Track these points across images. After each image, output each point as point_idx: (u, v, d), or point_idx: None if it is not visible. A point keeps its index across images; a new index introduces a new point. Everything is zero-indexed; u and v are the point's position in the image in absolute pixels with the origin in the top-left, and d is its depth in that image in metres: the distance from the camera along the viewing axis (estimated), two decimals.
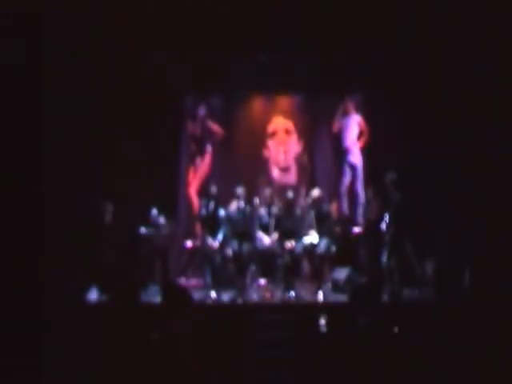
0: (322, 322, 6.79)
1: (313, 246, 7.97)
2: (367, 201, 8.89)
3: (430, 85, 8.25)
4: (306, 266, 8.67)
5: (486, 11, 7.13)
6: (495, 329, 6.42)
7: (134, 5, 7.09)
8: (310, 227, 8.07)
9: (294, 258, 7.95)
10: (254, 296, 7.67)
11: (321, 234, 8.08)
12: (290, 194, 8.58)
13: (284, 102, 10.24)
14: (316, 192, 8.49)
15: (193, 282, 9.13)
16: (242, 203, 8.17)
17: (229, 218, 8.04)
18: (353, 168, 9.81)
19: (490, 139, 7.45)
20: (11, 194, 6.59)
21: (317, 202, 8.37)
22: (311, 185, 9.71)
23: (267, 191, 9.12)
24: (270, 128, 10.15)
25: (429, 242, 8.20)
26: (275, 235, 8.01)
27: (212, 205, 8.10)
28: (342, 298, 7.56)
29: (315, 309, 7.42)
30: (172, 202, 9.54)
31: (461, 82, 7.74)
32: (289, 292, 7.54)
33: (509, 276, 7.02)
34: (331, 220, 8.33)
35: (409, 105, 8.74)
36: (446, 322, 6.61)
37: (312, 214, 8.21)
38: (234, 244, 7.96)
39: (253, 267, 8.63)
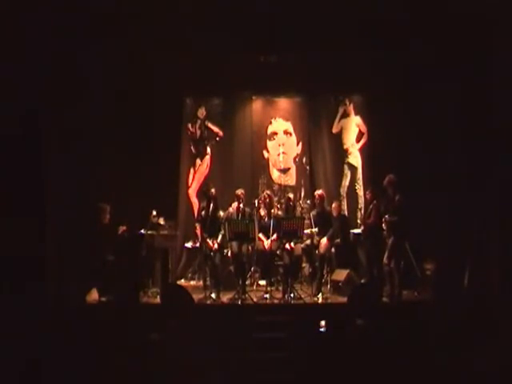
0: (322, 324, 6.80)
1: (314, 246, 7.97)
2: (367, 202, 8.88)
3: (430, 86, 8.27)
4: (305, 267, 8.67)
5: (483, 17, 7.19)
6: (495, 329, 6.44)
7: (134, 5, 7.11)
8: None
9: (294, 259, 7.95)
10: (254, 297, 7.66)
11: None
12: (290, 196, 8.57)
13: (284, 103, 10.24)
14: (317, 193, 8.49)
15: (193, 282, 9.17)
16: (241, 204, 8.16)
17: (228, 219, 8.03)
18: (352, 169, 9.84)
19: (490, 139, 7.46)
20: (12, 195, 6.61)
21: (317, 203, 8.36)
22: (311, 186, 9.75)
23: (267, 192, 9.14)
24: (270, 130, 10.15)
25: (428, 243, 8.21)
26: (275, 236, 8.00)
27: (212, 206, 8.09)
28: (342, 298, 7.57)
29: (315, 309, 7.43)
30: (172, 203, 9.54)
31: (460, 82, 7.77)
32: (288, 293, 7.54)
33: (509, 276, 7.03)
34: (331, 221, 8.31)
35: (408, 106, 8.76)
36: (446, 322, 6.63)
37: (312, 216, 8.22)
38: (234, 245, 7.95)
39: (252, 268, 8.65)
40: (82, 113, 7.83)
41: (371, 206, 8.14)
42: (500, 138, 7.24)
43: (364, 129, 9.87)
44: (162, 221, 8.44)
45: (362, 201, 9.65)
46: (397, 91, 8.87)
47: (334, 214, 8.67)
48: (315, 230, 8.00)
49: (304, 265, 8.66)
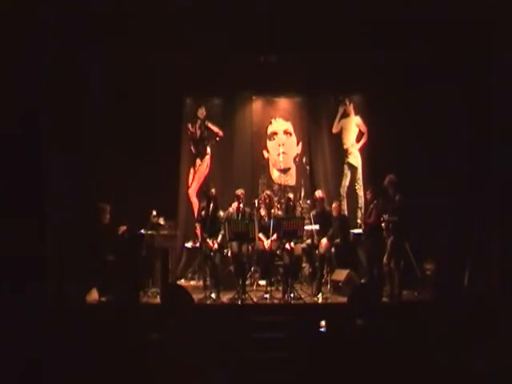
0: (322, 324, 6.80)
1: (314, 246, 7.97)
2: (367, 202, 8.89)
3: (430, 86, 8.27)
4: (305, 267, 8.66)
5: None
6: (495, 329, 6.44)
7: (134, 5, 7.11)
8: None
9: (294, 259, 7.95)
10: (254, 297, 7.66)
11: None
12: (290, 196, 8.57)
13: (284, 103, 10.24)
14: (317, 193, 8.49)
15: (193, 282, 9.16)
16: (241, 204, 8.15)
17: (228, 219, 8.03)
18: (352, 169, 9.84)
19: (490, 139, 7.46)
20: (12, 195, 6.61)
21: (317, 204, 8.36)
22: (311, 186, 9.75)
23: (267, 193, 9.13)
24: (270, 130, 10.15)
25: (428, 243, 8.21)
26: (275, 236, 8.00)
27: (212, 206, 8.09)
28: (342, 298, 7.57)
29: (315, 309, 7.43)
30: (172, 203, 9.54)
31: (460, 82, 7.78)
32: (288, 293, 7.54)
33: (509, 276, 7.03)
34: (331, 221, 8.31)
35: (408, 106, 8.76)
36: (446, 322, 6.63)
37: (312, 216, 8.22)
38: (234, 245, 7.95)
39: (252, 268, 8.65)
40: (81, 113, 7.84)
41: (371, 206, 8.14)
42: (500, 138, 7.24)
43: (364, 129, 9.87)
44: (162, 221, 8.44)
45: (361, 201, 9.64)
46: (397, 91, 8.88)
47: (334, 214, 8.67)
48: (316, 226, 7.99)
49: (304, 265, 8.66)
